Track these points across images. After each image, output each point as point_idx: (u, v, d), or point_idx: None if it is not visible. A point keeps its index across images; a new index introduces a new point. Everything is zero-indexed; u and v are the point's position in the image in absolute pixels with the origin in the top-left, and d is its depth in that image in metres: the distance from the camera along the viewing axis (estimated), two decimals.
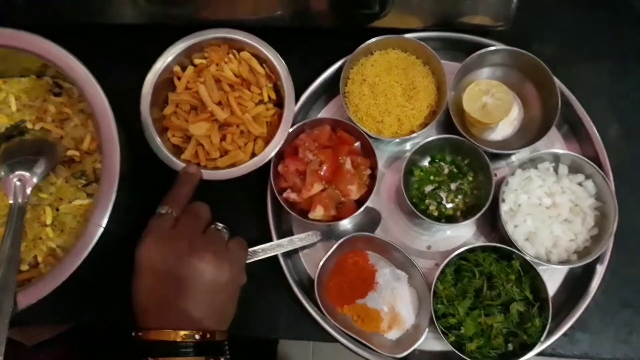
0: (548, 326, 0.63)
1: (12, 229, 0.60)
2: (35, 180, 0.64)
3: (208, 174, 0.68)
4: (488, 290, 0.66)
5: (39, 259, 0.65)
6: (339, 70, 0.75)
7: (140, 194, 0.70)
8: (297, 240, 0.71)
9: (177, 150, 0.71)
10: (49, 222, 0.65)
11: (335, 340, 0.69)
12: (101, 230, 0.58)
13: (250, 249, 0.69)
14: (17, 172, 0.63)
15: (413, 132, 0.70)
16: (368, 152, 0.70)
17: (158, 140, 0.68)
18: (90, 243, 0.58)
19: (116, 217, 0.59)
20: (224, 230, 0.65)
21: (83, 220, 0.66)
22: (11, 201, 0.62)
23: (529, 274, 0.66)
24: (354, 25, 0.71)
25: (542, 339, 0.63)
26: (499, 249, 0.67)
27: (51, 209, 0.66)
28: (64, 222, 0.66)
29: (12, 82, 0.69)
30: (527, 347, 0.63)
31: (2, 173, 0.63)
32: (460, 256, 0.68)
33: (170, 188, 0.65)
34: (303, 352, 1.58)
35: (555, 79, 0.69)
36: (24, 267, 0.64)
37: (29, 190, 0.63)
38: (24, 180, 0.63)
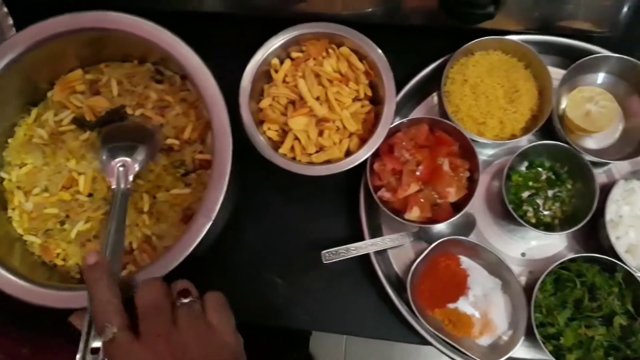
0: None
1: (115, 214, 0.59)
2: (136, 167, 0.64)
3: (304, 169, 0.67)
4: (589, 301, 0.65)
5: (134, 245, 0.65)
6: (435, 69, 0.74)
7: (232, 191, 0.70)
8: (389, 240, 0.70)
9: (272, 144, 0.70)
10: (146, 209, 0.65)
11: (427, 343, 0.68)
12: (210, 223, 0.57)
13: (343, 247, 0.68)
14: (120, 158, 0.63)
15: (515, 136, 0.69)
16: (467, 154, 0.69)
17: (258, 133, 0.67)
18: (198, 235, 0.57)
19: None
20: (192, 299, 0.49)
21: (180, 209, 0.66)
22: (114, 186, 0.62)
23: (632, 287, 0.64)
24: (458, 26, 0.70)
25: None
26: (601, 260, 0.66)
27: (148, 196, 0.66)
28: (160, 210, 0.66)
29: (114, 66, 0.69)
30: None
31: (104, 157, 0.63)
32: (561, 266, 0.66)
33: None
34: (335, 344, 1.57)
35: None
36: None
37: (131, 177, 0.63)
38: (127, 166, 0.63)
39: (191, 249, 0.57)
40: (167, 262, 0.56)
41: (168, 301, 0.49)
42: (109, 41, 0.65)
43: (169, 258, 0.57)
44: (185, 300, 0.48)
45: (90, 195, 0.66)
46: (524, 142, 0.72)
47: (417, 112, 0.76)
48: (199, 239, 0.57)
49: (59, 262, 0.65)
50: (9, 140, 0.67)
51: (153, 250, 0.65)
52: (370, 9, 0.72)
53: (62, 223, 0.66)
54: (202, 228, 0.57)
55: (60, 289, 0.57)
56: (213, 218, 0.57)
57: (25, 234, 0.65)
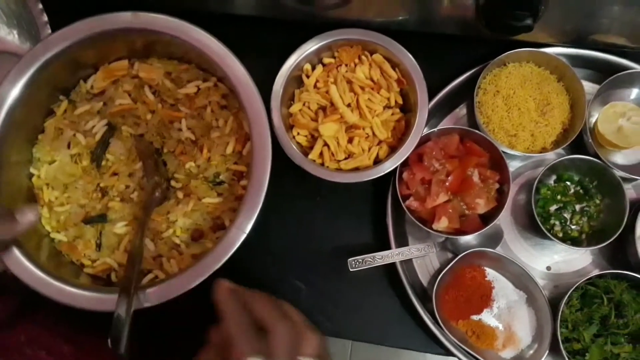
0: None
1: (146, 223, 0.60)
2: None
3: (334, 176, 0.67)
4: (615, 318, 0.64)
5: (163, 252, 0.64)
6: (467, 79, 0.73)
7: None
8: (415, 250, 0.70)
9: (301, 149, 0.70)
10: (180, 220, 0.65)
11: (450, 354, 0.68)
12: (244, 236, 0.57)
13: (369, 255, 0.68)
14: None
15: (545, 149, 0.69)
16: (497, 166, 0.69)
17: (288, 138, 0.67)
18: (231, 248, 0.57)
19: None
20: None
21: (210, 218, 0.65)
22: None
23: None
24: (496, 37, 0.69)
25: None
26: (628, 277, 0.65)
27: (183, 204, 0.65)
28: (191, 218, 0.65)
29: (161, 63, 0.68)
30: None
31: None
32: (589, 281, 0.66)
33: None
34: (341, 346, 1.57)
35: None
36: (147, 260, 0.64)
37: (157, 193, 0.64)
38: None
39: (224, 260, 0.57)
40: (198, 271, 0.56)
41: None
42: (158, 41, 0.64)
43: (199, 268, 0.56)
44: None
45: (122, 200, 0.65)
46: (552, 155, 0.71)
47: (448, 122, 0.76)
48: (232, 252, 0.57)
49: (87, 262, 0.65)
50: (39, 136, 0.67)
51: (181, 257, 0.65)
52: (404, 17, 0.71)
53: (88, 222, 0.65)
54: (236, 241, 0.57)
55: (90, 290, 0.57)
56: (247, 232, 0.57)
57: (53, 232, 0.65)
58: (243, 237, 0.56)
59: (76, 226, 0.65)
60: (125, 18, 0.59)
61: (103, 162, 0.65)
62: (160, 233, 0.64)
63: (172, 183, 0.65)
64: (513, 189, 0.73)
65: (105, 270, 0.64)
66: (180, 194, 0.65)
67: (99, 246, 0.64)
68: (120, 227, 0.64)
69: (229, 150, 0.65)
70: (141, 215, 0.62)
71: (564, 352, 0.63)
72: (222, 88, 0.67)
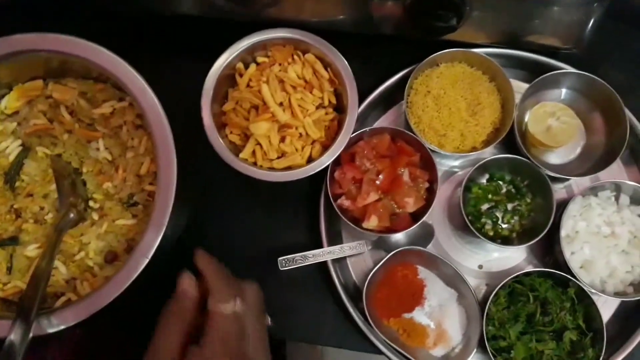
0: (602, 358, 0.62)
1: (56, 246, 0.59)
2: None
3: (265, 175, 0.67)
4: (541, 316, 0.65)
5: (76, 275, 0.63)
6: (401, 79, 0.74)
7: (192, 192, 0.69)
8: (347, 248, 0.70)
9: (234, 147, 0.70)
10: (92, 242, 0.63)
11: (380, 352, 0.68)
12: (146, 261, 0.55)
13: (300, 254, 0.69)
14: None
15: (475, 148, 0.69)
16: (427, 165, 0.69)
17: (218, 136, 0.67)
18: (135, 272, 0.55)
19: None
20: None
21: (124, 240, 0.64)
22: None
23: (584, 302, 0.65)
24: (423, 37, 0.70)
25: None
26: (554, 275, 0.66)
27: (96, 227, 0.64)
28: (105, 240, 0.64)
29: (76, 83, 0.67)
30: None
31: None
32: (516, 279, 0.66)
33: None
34: (312, 353, 1.57)
35: (627, 111, 0.68)
36: (60, 283, 0.62)
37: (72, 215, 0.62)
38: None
39: (126, 286, 0.55)
40: (103, 295, 0.55)
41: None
42: (71, 61, 0.61)
43: (104, 293, 0.54)
44: None
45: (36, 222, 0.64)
46: (487, 155, 0.72)
47: (383, 122, 0.76)
48: (134, 276, 0.55)
49: None
50: None
51: (94, 280, 0.63)
52: (339, 17, 0.72)
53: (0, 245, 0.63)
54: (139, 266, 0.55)
55: None
56: (150, 257, 0.55)
57: None
58: (145, 262, 0.55)
59: None
60: (30, 39, 0.58)
61: (17, 183, 0.64)
62: (72, 255, 0.63)
63: (91, 203, 0.64)
64: (448, 188, 0.74)
65: (16, 294, 0.62)
66: (95, 215, 0.64)
67: (9, 269, 0.63)
68: (31, 250, 0.62)
69: (144, 170, 0.64)
70: (53, 236, 0.60)
71: (489, 350, 0.64)
72: (138, 107, 0.66)
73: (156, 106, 0.58)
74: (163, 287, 0.69)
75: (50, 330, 0.52)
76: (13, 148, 0.65)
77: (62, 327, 0.53)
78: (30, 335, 0.49)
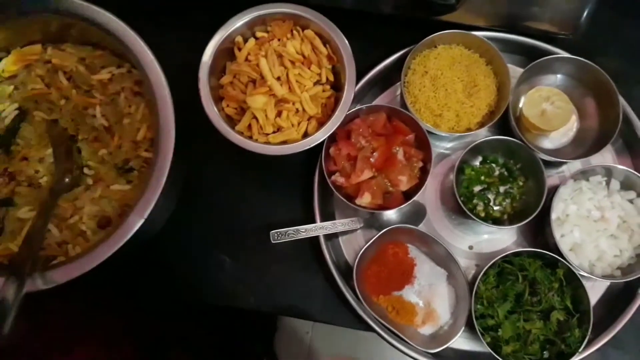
0: (587, 338, 0.63)
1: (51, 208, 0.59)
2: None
3: (260, 148, 0.67)
4: (529, 295, 0.66)
5: (68, 239, 0.63)
6: (399, 59, 0.74)
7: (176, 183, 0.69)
8: (339, 224, 0.70)
9: (230, 121, 0.70)
10: (87, 206, 0.64)
11: (369, 329, 0.68)
12: (141, 221, 0.56)
13: (292, 228, 0.69)
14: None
15: (470, 130, 0.70)
16: (422, 145, 0.69)
17: (215, 108, 0.67)
18: (129, 232, 0.56)
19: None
20: None
21: (118, 205, 0.64)
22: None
23: (572, 284, 0.66)
24: (422, 16, 0.70)
25: (581, 349, 0.63)
26: (544, 256, 0.67)
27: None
28: (98, 204, 0.64)
29: (75, 49, 0.67)
30: (564, 357, 0.63)
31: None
32: (505, 259, 0.67)
33: None
34: (299, 340, 1.58)
35: (620, 97, 0.68)
36: (52, 246, 0.62)
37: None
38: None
39: (119, 246, 0.56)
40: (94, 256, 0.55)
41: None
42: (73, 25, 0.63)
43: (96, 253, 0.55)
44: None
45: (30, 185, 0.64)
46: (481, 137, 0.72)
47: (380, 100, 0.77)
48: (129, 236, 0.56)
49: None
50: None
51: (87, 245, 0.63)
52: None
53: None
54: (134, 225, 0.56)
55: None
56: (146, 217, 0.56)
57: None
58: (141, 221, 0.56)
59: None
60: None
61: (12, 147, 0.64)
62: (66, 219, 0.63)
63: (85, 170, 0.64)
64: (441, 169, 0.74)
65: (7, 256, 0.62)
66: (90, 180, 0.64)
67: (1, 230, 0.63)
68: (25, 212, 0.62)
69: (140, 136, 0.64)
70: (48, 199, 0.60)
71: (477, 328, 0.64)
72: (136, 74, 0.67)
73: (156, 69, 0.58)
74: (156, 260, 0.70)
75: (44, 287, 0.52)
76: (9, 111, 0.65)
77: (54, 284, 0.53)
78: (24, 291, 0.49)
